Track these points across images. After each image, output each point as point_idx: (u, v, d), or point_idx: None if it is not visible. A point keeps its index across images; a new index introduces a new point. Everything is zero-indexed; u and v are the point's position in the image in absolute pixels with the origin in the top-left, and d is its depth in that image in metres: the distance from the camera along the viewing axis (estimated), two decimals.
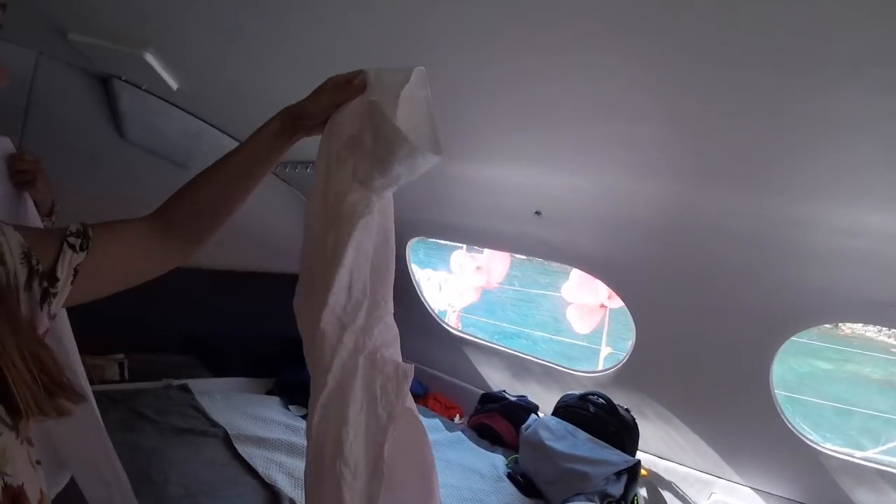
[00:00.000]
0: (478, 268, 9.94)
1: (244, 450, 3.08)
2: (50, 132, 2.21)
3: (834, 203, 1.99)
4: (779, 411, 2.89)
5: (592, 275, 3.74)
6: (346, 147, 1.18)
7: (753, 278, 2.60)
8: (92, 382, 3.59)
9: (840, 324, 15.95)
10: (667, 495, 3.44)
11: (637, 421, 3.44)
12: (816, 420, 11.97)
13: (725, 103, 1.62)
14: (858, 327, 19.64)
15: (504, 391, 4.17)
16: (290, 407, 3.92)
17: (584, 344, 10.25)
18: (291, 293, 1.26)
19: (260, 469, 2.92)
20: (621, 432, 3.35)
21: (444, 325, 4.90)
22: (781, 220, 2.20)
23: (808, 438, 2.90)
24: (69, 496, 1.79)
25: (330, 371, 1.21)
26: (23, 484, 0.76)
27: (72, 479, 1.82)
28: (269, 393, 4.17)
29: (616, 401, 3.49)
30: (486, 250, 9.46)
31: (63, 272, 0.90)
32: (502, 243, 4.53)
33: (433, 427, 3.89)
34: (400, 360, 1.36)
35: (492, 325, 14.97)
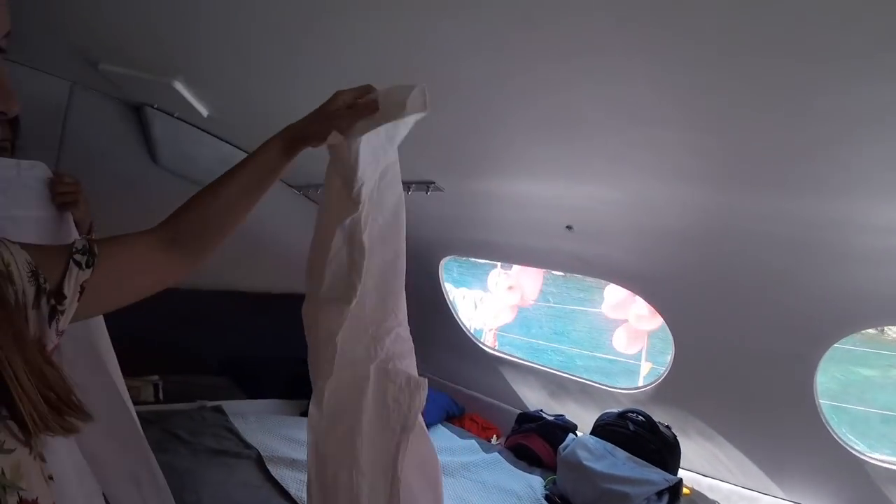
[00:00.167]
0: (510, 287, 9.88)
1: (277, 472, 3.07)
2: (85, 159, 2.28)
3: (873, 200, 1.91)
4: (824, 422, 2.80)
5: (627, 288, 3.69)
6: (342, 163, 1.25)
7: (793, 284, 2.53)
8: None
9: (885, 328, 15.65)
10: None
11: (678, 438, 3.36)
12: (862, 429, 11.69)
13: (753, 101, 1.57)
14: None
15: (541, 410, 4.11)
16: None
17: (624, 360, 10.13)
18: None
19: (293, 491, 2.90)
20: (662, 450, 3.27)
21: (479, 343, 4.87)
22: (818, 220, 2.14)
23: (854, 449, 2.80)
24: None
25: (338, 379, 1.27)
26: (37, 498, 0.76)
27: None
28: (303, 415, 4.12)
29: (656, 418, 3.42)
30: (516, 267, 9.40)
31: (70, 290, 0.90)
32: (534, 259, 4.50)
33: (469, 448, 3.86)
34: (415, 372, 1.39)
35: (528, 343, 14.89)
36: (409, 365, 1.41)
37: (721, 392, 3.19)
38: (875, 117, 1.45)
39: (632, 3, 1.26)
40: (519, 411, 4.23)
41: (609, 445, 3.33)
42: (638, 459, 3.20)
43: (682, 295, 3.11)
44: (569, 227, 3.08)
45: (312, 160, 1.27)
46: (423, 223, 4.19)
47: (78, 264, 0.92)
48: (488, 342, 7.73)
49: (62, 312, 0.89)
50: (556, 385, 4.19)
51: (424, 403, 1.36)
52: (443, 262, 4.70)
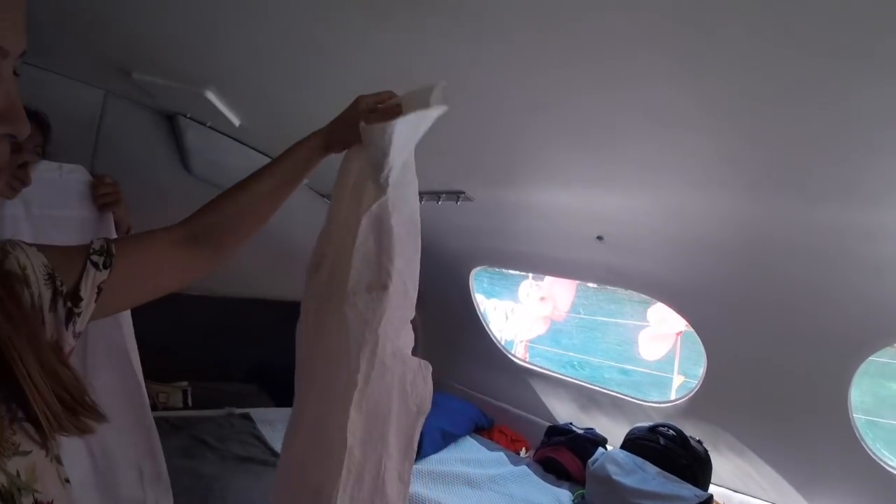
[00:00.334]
0: (542, 298, 9.86)
1: None
2: (118, 168, 2.33)
3: None
4: (858, 437, 2.73)
5: (659, 300, 3.64)
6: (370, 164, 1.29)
7: (826, 296, 2.48)
8: (155, 408, 3.69)
9: None
10: None
11: (709, 453, 3.31)
12: None
13: (787, 107, 1.54)
14: None
15: (571, 423, 4.07)
16: None
17: (656, 372, 10.05)
18: None
19: None
20: (693, 465, 3.22)
21: (509, 355, 4.85)
22: (852, 231, 2.09)
23: (889, 465, 2.73)
24: None
25: (360, 371, 1.29)
26: (52, 501, 0.76)
27: None
28: None
29: (687, 432, 3.37)
30: (548, 278, 9.37)
31: (86, 291, 0.91)
32: (565, 270, 4.47)
33: (498, 461, 3.84)
34: None
35: (558, 356, 14.83)
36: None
37: (753, 406, 3.14)
38: None
39: (663, 8, 1.24)
40: (548, 424, 4.19)
41: (639, 460, 3.29)
42: (668, 475, 3.16)
43: (714, 307, 3.07)
44: (599, 238, 3.06)
45: None
46: (452, 233, 4.19)
47: (95, 265, 0.93)
48: (519, 354, 7.69)
49: (78, 314, 0.89)
50: (587, 398, 4.15)
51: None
52: (473, 273, 4.69)
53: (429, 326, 5.51)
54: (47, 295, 0.85)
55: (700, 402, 3.44)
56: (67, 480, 0.82)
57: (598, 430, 3.95)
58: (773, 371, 2.92)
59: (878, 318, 2.44)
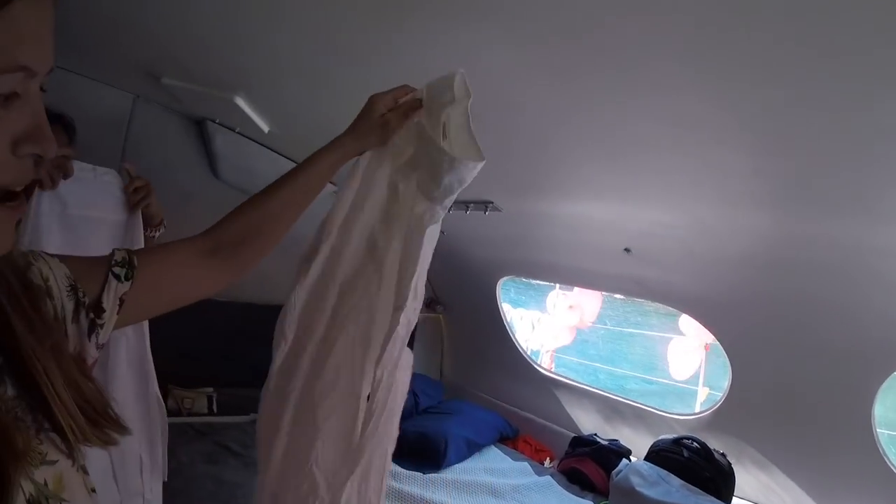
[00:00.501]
0: (570, 307, 9.82)
1: None
2: (146, 171, 2.34)
3: None
4: (881, 452, 2.72)
5: (686, 313, 3.64)
6: (409, 164, 1.33)
7: (851, 312, 2.48)
8: (180, 414, 3.74)
9: None
10: None
11: (733, 466, 3.30)
12: None
13: (815, 123, 1.55)
14: None
15: (596, 434, 4.07)
16: None
17: (681, 384, 9.94)
18: None
19: None
20: (717, 478, 3.22)
21: (535, 365, 4.86)
22: (878, 248, 2.10)
23: None
24: None
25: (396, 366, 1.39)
26: None
27: None
28: None
29: (711, 445, 3.37)
30: (576, 289, 9.33)
31: (109, 303, 0.91)
32: (592, 282, 4.47)
33: (522, 471, 3.85)
34: None
35: (583, 366, 14.73)
36: None
37: (777, 421, 3.13)
38: None
39: (692, 24, 1.26)
40: (573, 434, 4.20)
41: (663, 472, 3.29)
42: (692, 487, 3.16)
43: (739, 321, 3.07)
44: (627, 250, 3.07)
45: None
46: (480, 243, 4.21)
47: (117, 277, 0.93)
48: (545, 364, 7.67)
49: (101, 326, 0.90)
50: (611, 409, 4.16)
51: None
52: (500, 283, 4.70)
53: (455, 335, 5.53)
54: (70, 306, 0.85)
55: (724, 416, 3.43)
56: (94, 490, 0.82)
57: (623, 442, 3.95)
58: (797, 385, 2.92)
59: None
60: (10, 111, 0.61)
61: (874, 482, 2.77)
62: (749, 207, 2.25)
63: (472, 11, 1.49)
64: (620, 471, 3.43)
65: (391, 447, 1.43)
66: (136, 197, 1.98)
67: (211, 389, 4.10)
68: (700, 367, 8.48)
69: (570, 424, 4.44)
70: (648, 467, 3.35)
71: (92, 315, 0.88)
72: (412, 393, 4.48)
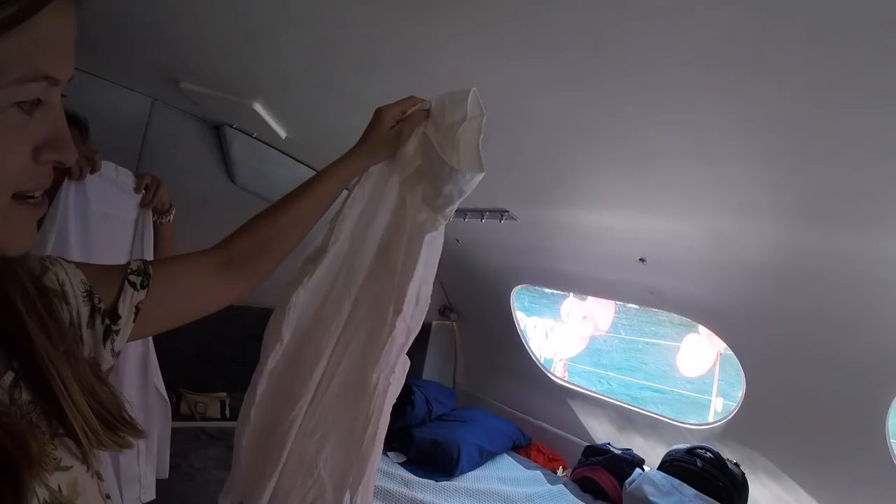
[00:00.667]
0: (584, 317, 9.81)
1: None
2: (163, 175, 2.35)
3: None
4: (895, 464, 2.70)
5: (701, 323, 3.63)
6: (416, 174, 1.36)
7: (865, 323, 2.47)
8: (193, 419, 3.76)
9: None
10: None
11: (747, 477, 3.29)
12: None
13: (827, 138, 1.55)
14: None
15: (609, 444, 4.06)
16: (388, 453, 3.94)
17: (695, 394, 9.90)
18: None
19: None
20: (730, 489, 3.20)
21: (548, 374, 4.85)
22: (891, 259, 2.08)
23: None
24: None
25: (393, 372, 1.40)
26: None
27: None
28: None
29: (725, 455, 3.36)
30: (590, 298, 9.32)
31: (125, 310, 0.92)
32: (607, 291, 4.45)
33: (535, 479, 3.85)
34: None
35: (597, 374, 14.70)
36: None
37: (791, 432, 3.11)
38: None
39: (711, 34, 1.27)
40: (586, 444, 4.19)
41: (676, 482, 3.28)
42: (705, 497, 3.15)
43: (754, 332, 3.06)
44: (642, 260, 3.07)
45: None
46: (495, 251, 4.21)
47: (133, 285, 0.94)
48: (558, 372, 7.66)
49: (117, 332, 0.91)
50: (625, 419, 4.15)
51: None
52: (514, 291, 4.71)
53: (468, 343, 5.53)
54: (85, 312, 0.86)
55: (738, 426, 3.42)
56: (108, 496, 0.83)
57: (636, 451, 3.94)
58: (811, 397, 2.91)
59: None
60: (34, 118, 0.63)
61: (889, 494, 2.75)
62: (765, 218, 2.25)
63: (489, 21, 1.50)
64: (633, 480, 3.42)
65: (380, 450, 1.45)
66: (149, 193, 2.05)
67: (224, 394, 4.10)
68: (714, 377, 8.45)
69: (584, 433, 4.43)
70: (662, 477, 3.34)
71: (108, 321, 0.89)
72: (425, 400, 4.48)
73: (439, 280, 5.32)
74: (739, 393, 3.38)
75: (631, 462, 3.78)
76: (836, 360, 2.70)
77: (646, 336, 18.93)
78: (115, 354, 0.92)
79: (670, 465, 3.46)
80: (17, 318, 0.71)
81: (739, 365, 3.29)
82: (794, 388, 2.98)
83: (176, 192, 2.17)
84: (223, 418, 3.99)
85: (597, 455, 3.96)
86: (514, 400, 4.98)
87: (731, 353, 3.34)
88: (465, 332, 5.57)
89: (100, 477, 0.81)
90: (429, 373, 5.46)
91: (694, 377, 8.83)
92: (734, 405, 3.51)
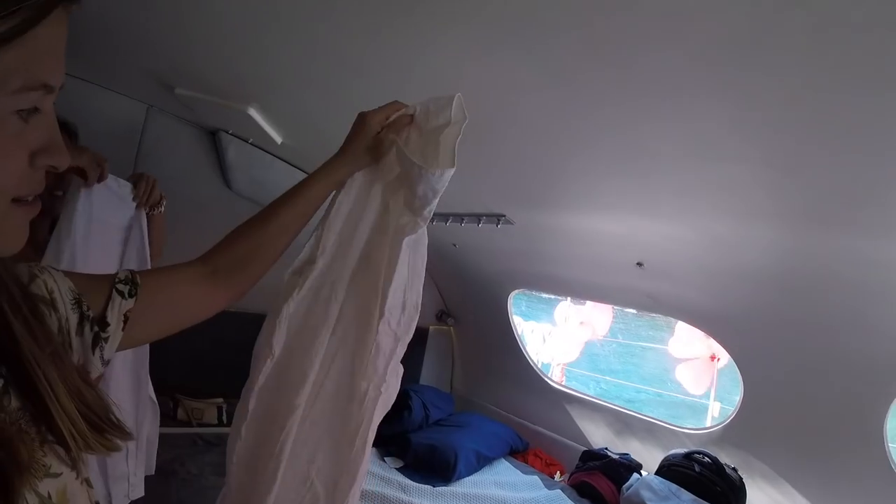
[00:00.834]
0: (581, 323, 9.80)
1: None
2: (159, 181, 2.35)
3: None
4: (894, 469, 2.69)
5: (698, 328, 3.63)
6: (398, 179, 1.37)
7: (863, 327, 2.47)
8: (189, 424, 3.76)
9: None
10: None
11: (744, 481, 3.28)
12: None
13: (828, 139, 1.55)
14: None
15: (606, 448, 4.05)
16: (385, 459, 3.94)
17: (691, 398, 9.88)
18: None
19: None
20: (728, 493, 3.20)
21: (546, 378, 4.85)
22: (890, 261, 2.08)
23: None
24: None
25: (384, 381, 1.39)
26: None
27: None
28: None
29: (723, 460, 3.35)
30: (588, 303, 9.32)
31: (113, 318, 0.93)
32: (605, 296, 4.45)
33: (532, 484, 3.84)
34: None
35: (594, 379, 14.70)
36: None
37: (789, 436, 3.11)
38: None
39: (705, 39, 1.27)
40: (583, 448, 4.19)
41: (674, 486, 3.27)
42: (703, 502, 3.14)
43: (752, 336, 3.06)
44: (639, 264, 3.07)
45: None
46: (492, 256, 4.21)
47: (121, 293, 0.96)
48: (555, 377, 7.65)
49: (106, 340, 0.92)
50: (622, 423, 4.14)
51: None
52: (511, 296, 4.71)
53: (465, 348, 5.53)
54: (74, 319, 0.87)
55: (736, 430, 3.43)
56: (98, 503, 0.83)
57: (634, 456, 3.93)
58: (809, 401, 2.91)
59: None
60: (30, 125, 0.64)
61: (886, 498, 2.75)
62: (763, 222, 2.24)
63: (485, 24, 1.49)
64: (631, 485, 3.42)
65: (369, 457, 1.44)
66: (144, 194, 2.11)
67: (221, 400, 4.11)
68: (711, 381, 8.43)
69: (581, 438, 4.42)
70: (659, 481, 3.34)
71: (96, 328, 0.91)
72: (422, 405, 4.48)
73: (436, 285, 5.33)
74: (737, 397, 3.38)
75: (628, 467, 3.78)
76: (834, 363, 2.70)
77: (643, 341, 18.94)
78: (105, 362, 0.93)
79: (668, 469, 3.45)
80: (2, 319, 0.72)
81: (737, 369, 3.29)
82: (792, 392, 2.98)
83: (171, 197, 2.20)
84: (220, 424, 4.00)
85: (594, 460, 3.95)
86: (512, 405, 4.98)
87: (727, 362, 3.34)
88: (463, 337, 5.57)
89: (89, 484, 0.81)
90: (426, 378, 5.47)
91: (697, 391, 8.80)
92: (731, 409, 3.51)
